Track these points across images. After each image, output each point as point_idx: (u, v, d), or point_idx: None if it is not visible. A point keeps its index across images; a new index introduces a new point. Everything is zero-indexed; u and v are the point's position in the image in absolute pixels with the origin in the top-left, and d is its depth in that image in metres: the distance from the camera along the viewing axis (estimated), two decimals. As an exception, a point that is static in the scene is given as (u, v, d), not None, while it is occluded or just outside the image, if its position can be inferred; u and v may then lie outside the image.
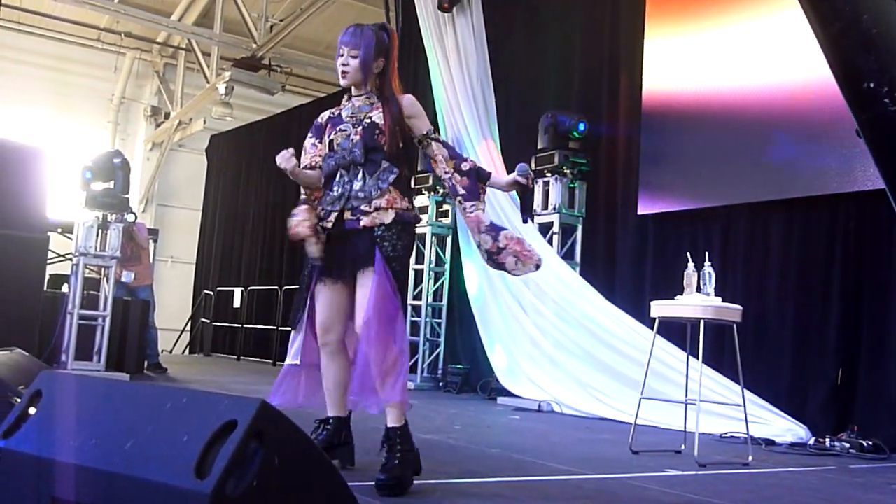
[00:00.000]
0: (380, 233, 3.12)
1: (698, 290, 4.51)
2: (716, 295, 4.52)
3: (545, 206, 7.82)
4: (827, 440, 5.26)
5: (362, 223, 3.13)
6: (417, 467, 3.10)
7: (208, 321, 14.59)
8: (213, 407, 1.86)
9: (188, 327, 15.30)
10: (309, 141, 3.44)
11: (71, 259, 7.95)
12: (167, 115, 16.04)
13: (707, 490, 3.47)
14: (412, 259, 6.61)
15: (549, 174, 7.75)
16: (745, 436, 4.65)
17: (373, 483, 2.91)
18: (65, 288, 8.41)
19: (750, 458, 4.44)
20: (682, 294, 4.56)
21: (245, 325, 13.74)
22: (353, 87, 3.32)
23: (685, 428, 4.71)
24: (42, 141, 10.29)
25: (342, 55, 3.28)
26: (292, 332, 3.35)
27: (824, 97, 5.71)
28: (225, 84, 13.05)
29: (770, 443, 5.30)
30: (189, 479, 1.73)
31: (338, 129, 3.27)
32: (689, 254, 4.68)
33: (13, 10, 13.49)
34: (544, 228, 7.74)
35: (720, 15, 6.93)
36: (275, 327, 12.74)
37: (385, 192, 3.15)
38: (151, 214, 16.23)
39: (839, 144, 5.69)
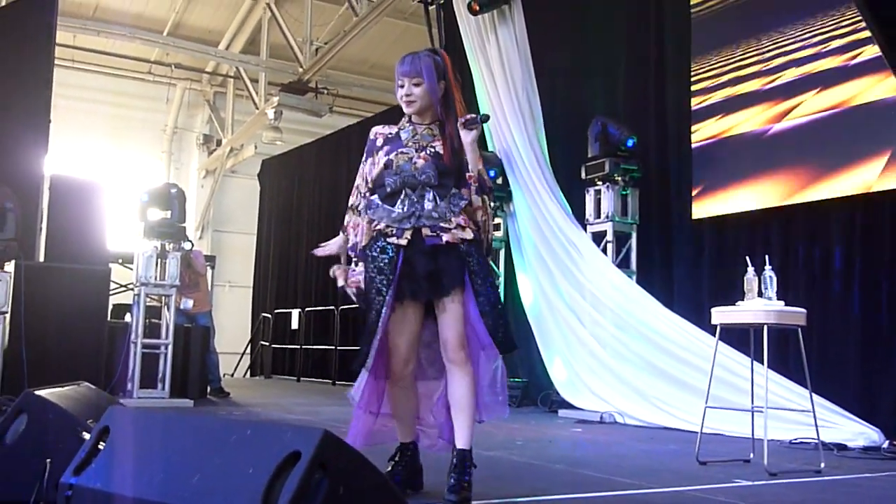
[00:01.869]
0: (464, 248, 3.13)
1: (760, 294, 4.41)
2: (778, 298, 4.42)
3: (598, 215, 7.75)
4: (901, 443, 5.10)
5: (444, 239, 3.11)
6: None
7: (267, 344, 14.74)
8: (277, 438, 1.87)
9: (248, 350, 15.48)
10: (366, 165, 3.36)
11: (132, 289, 8.11)
12: (219, 143, 16.34)
13: (780, 501, 3.39)
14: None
15: (600, 182, 7.68)
16: (816, 441, 4.53)
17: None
18: (127, 317, 8.59)
19: (822, 464, 4.32)
20: (742, 299, 4.47)
21: (304, 346, 13.85)
22: (414, 115, 3.29)
23: (753, 435, 4.61)
24: (99, 174, 10.58)
25: (402, 86, 3.23)
26: (363, 370, 3.16)
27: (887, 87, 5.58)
28: (274, 109, 13.26)
29: (842, 448, 5.15)
30: (256, 512, 1.75)
31: (399, 151, 3.22)
32: (748, 258, 4.59)
33: (67, 48, 13.87)
34: (598, 237, 7.67)
35: (768, 9, 6.83)
36: (333, 347, 12.82)
37: (459, 214, 3.16)
38: (208, 241, 16.51)
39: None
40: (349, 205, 3.39)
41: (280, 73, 13.81)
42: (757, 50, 6.89)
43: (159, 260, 7.89)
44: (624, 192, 7.73)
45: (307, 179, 14.94)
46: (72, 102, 13.85)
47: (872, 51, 5.89)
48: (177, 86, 16.28)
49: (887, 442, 5.19)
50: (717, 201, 7.03)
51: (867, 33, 5.91)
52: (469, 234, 3.15)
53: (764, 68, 6.79)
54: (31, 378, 6.82)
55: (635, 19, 8.24)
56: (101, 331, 7.86)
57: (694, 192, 7.20)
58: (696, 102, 7.31)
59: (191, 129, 16.85)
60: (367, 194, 3.29)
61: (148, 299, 7.94)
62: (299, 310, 14.23)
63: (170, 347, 7.76)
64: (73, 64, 14.64)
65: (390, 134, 3.32)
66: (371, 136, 3.38)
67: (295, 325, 14.18)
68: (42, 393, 2.97)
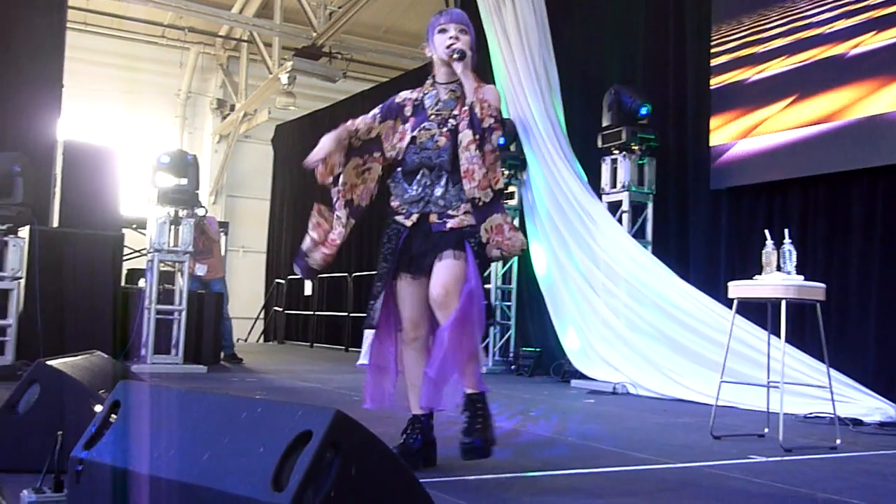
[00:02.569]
0: (467, 229, 3.14)
1: (778, 268, 4.34)
2: (797, 273, 4.35)
3: (613, 185, 7.67)
4: (918, 418, 5.06)
5: (449, 225, 3.15)
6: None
7: (281, 309, 14.79)
8: (288, 417, 1.84)
9: (262, 316, 15.54)
10: (370, 115, 3.36)
11: (145, 254, 8.11)
12: (232, 108, 16.26)
13: (795, 479, 3.35)
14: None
15: (616, 151, 7.59)
16: (832, 416, 4.48)
17: (453, 480, 2.87)
18: (141, 283, 8.61)
19: (838, 440, 4.28)
20: (760, 272, 4.41)
21: (317, 313, 13.89)
22: (441, 73, 3.27)
23: (768, 410, 4.57)
24: (113, 139, 10.57)
25: (446, 31, 3.21)
26: (366, 332, 3.33)
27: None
28: (287, 74, 13.16)
29: (857, 423, 5.10)
30: (266, 492, 1.72)
31: (423, 126, 3.23)
32: (766, 231, 4.51)
33: (80, 11, 13.79)
34: (613, 207, 7.60)
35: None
36: (346, 314, 12.84)
37: (467, 200, 3.15)
38: (221, 206, 16.51)
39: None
40: (350, 121, 3.37)
41: (294, 37, 13.68)
42: (779, 15, 6.75)
43: (172, 226, 7.88)
44: (640, 162, 7.64)
45: (321, 145, 14.86)
46: (85, 66, 13.78)
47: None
48: (190, 50, 16.18)
49: (903, 417, 5.15)
50: (736, 171, 6.93)
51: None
52: (474, 220, 3.14)
53: (785, 32, 6.66)
54: (46, 342, 6.87)
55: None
56: (114, 296, 7.90)
57: (712, 162, 7.10)
58: (716, 67, 7.19)
59: (204, 94, 16.78)
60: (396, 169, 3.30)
61: (161, 265, 7.94)
62: (312, 276, 14.23)
63: (183, 314, 7.78)
64: (85, 27, 14.57)
65: (416, 101, 3.31)
66: (398, 99, 3.36)
67: (308, 291, 14.22)
68: (54, 363, 2.96)
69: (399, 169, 3.28)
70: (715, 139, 7.11)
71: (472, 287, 3.00)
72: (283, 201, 16.09)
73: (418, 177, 3.21)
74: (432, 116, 3.23)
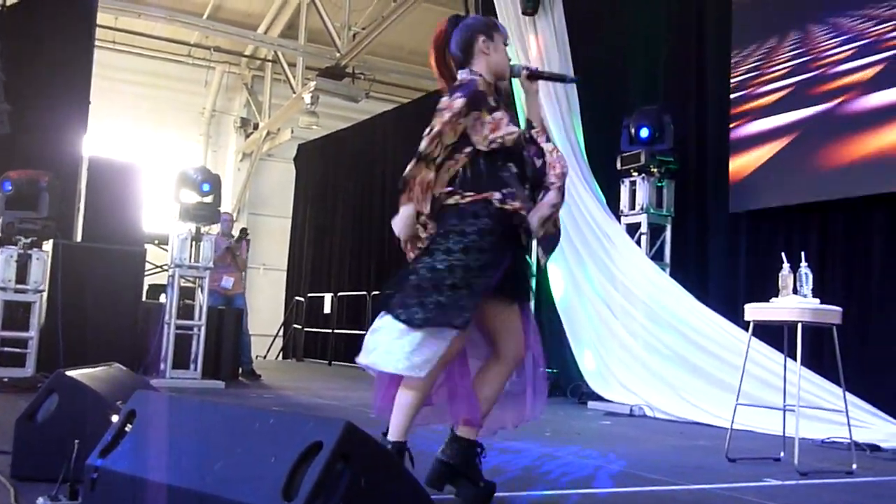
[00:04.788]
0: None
1: (795, 291, 4.34)
2: (814, 296, 4.34)
3: (632, 207, 7.67)
4: (936, 445, 5.01)
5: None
6: None
7: (300, 327, 14.84)
8: (299, 428, 1.87)
9: (281, 333, 15.60)
10: (449, 116, 2.81)
11: (167, 270, 8.19)
12: (256, 126, 16.44)
13: (810, 501, 3.33)
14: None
15: (635, 173, 7.61)
16: (848, 441, 4.45)
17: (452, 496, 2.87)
18: (162, 298, 8.69)
19: (854, 465, 4.25)
20: (777, 295, 4.40)
21: (336, 331, 13.93)
22: (490, 77, 3.04)
23: (784, 433, 4.54)
24: (138, 156, 10.70)
25: (509, 45, 3.14)
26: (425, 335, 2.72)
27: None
28: (311, 93, 13.30)
29: (875, 448, 5.06)
30: (277, 501, 1.75)
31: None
32: (783, 254, 4.51)
33: (109, 30, 14.01)
34: (632, 229, 7.60)
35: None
36: (364, 332, 12.81)
37: None
38: (243, 223, 16.63)
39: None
40: (420, 154, 2.79)
41: (318, 57, 13.84)
42: (799, 42, 6.76)
43: (194, 242, 7.96)
44: (660, 184, 7.64)
45: (342, 164, 14.99)
46: (112, 84, 14.00)
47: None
48: (215, 69, 16.39)
49: (922, 444, 5.10)
50: (755, 195, 6.93)
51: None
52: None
53: (805, 60, 6.66)
54: (66, 355, 6.94)
55: (677, 9, 8.12)
56: (135, 310, 7.97)
57: (731, 185, 7.10)
58: (736, 91, 7.20)
59: (228, 113, 16.98)
60: (500, 162, 2.87)
61: (182, 281, 8.02)
62: (332, 294, 14.30)
63: (203, 329, 7.83)
64: (113, 46, 14.80)
65: (490, 95, 2.99)
66: (480, 87, 2.94)
67: (328, 309, 14.26)
68: (73, 374, 3.00)
69: (510, 163, 2.89)
70: (735, 163, 7.11)
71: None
72: (304, 220, 16.19)
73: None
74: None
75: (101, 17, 10.29)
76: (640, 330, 7.14)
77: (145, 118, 15.42)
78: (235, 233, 9.77)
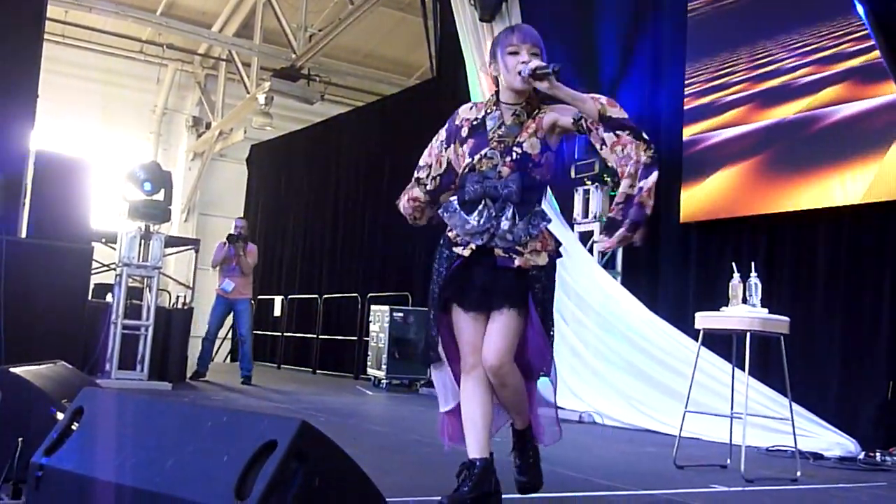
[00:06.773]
0: (534, 273, 2.92)
1: (744, 300, 4.42)
2: (762, 306, 4.42)
3: (585, 215, 7.76)
4: (877, 454, 5.14)
5: (517, 263, 2.86)
6: None
7: (249, 329, 14.65)
8: (253, 426, 1.84)
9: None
10: (444, 149, 3.06)
11: (114, 269, 8.04)
12: (208, 126, 16.23)
13: (755, 508, 3.38)
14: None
15: (588, 182, 7.68)
16: (793, 449, 4.54)
17: (414, 500, 2.86)
18: (109, 298, 8.52)
19: (798, 473, 4.33)
20: (727, 305, 4.47)
21: (285, 334, 13.80)
22: (506, 94, 2.98)
23: (731, 441, 4.62)
24: (86, 152, 10.48)
25: (517, 53, 2.95)
26: (434, 373, 3.06)
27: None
28: (265, 94, 13.18)
29: (818, 457, 5.17)
30: (229, 501, 1.72)
31: (483, 154, 2.91)
32: (734, 264, 4.59)
33: (58, 23, 13.73)
34: (585, 237, 7.67)
35: (764, 16, 6.84)
36: (314, 336, 12.77)
37: (536, 237, 2.91)
38: (193, 224, 16.40)
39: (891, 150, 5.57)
40: (415, 177, 3.14)
41: (273, 58, 13.72)
42: (750, 56, 6.89)
43: (143, 241, 7.82)
44: (612, 193, 7.72)
45: (296, 166, 14.87)
46: (61, 79, 13.69)
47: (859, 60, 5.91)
48: (168, 66, 16.16)
49: (863, 453, 5.22)
50: (706, 206, 7.04)
51: (854, 45, 5.94)
52: (543, 260, 2.93)
53: (757, 74, 6.80)
54: (9, 353, 6.75)
55: (632, 20, 8.22)
56: (81, 309, 7.78)
57: (682, 196, 7.20)
58: (689, 103, 7.32)
59: (180, 111, 16.73)
60: (451, 196, 3.04)
61: (130, 280, 7.87)
62: (282, 297, 14.17)
63: (150, 329, 7.70)
64: (63, 39, 14.51)
65: (476, 120, 2.99)
66: (457, 121, 3.04)
67: (277, 311, 14.13)
68: (18, 371, 2.93)
69: (454, 198, 2.99)
70: (687, 174, 7.21)
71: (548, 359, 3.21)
72: (255, 221, 16.00)
73: (480, 207, 2.88)
74: (494, 143, 2.91)
75: (51, 11, 10.05)
76: (591, 338, 7.19)
77: (95, 114, 15.11)
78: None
